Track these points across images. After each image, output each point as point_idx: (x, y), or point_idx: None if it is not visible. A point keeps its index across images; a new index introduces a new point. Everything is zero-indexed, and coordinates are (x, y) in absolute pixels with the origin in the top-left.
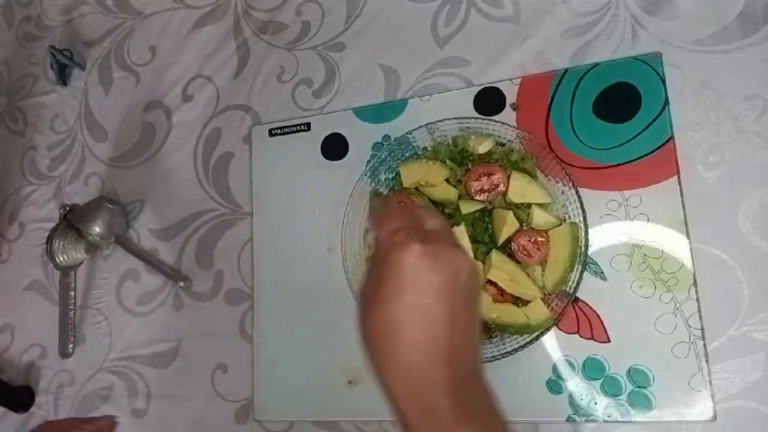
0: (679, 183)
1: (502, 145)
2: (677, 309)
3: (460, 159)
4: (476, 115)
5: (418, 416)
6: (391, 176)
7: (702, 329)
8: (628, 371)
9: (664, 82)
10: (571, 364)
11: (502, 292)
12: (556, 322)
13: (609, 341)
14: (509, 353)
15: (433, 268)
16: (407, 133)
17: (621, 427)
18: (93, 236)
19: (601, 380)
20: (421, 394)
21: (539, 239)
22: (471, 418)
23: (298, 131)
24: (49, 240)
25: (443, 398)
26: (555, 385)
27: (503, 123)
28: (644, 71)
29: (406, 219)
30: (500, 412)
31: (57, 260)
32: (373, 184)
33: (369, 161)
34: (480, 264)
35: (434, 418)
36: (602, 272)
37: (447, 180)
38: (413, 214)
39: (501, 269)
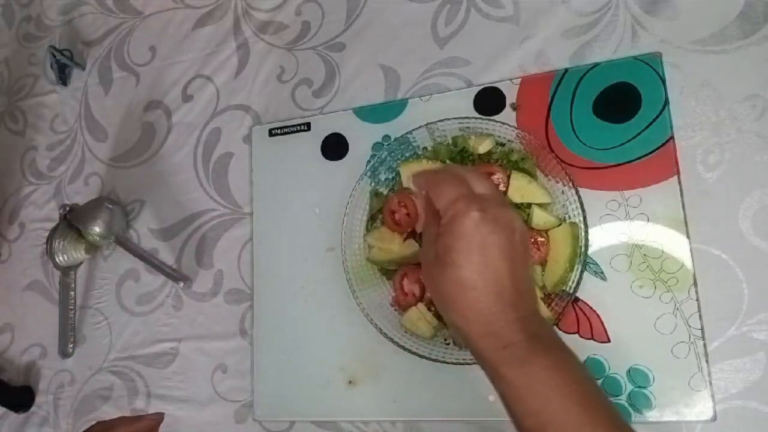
0: (679, 183)
1: (502, 145)
2: (677, 309)
3: (460, 159)
4: (476, 115)
5: (497, 352)
6: (391, 176)
7: (702, 329)
8: (628, 371)
9: (664, 82)
10: None
11: None
12: (556, 322)
13: (609, 341)
14: None
15: (493, 231)
16: (407, 133)
17: None
18: (93, 236)
19: (601, 380)
20: (498, 333)
21: (539, 239)
22: (544, 349)
23: (298, 131)
24: (49, 240)
25: (518, 334)
26: None
27: (503, 123)
28: (644, 71)
29: (460, 188)
30: (564, 344)
31: (57, 260)
32: (373, 184)
33: (369, 161)
34: None
35: (512, 352)
36: (602, 272)
37: None
38: (464, 181)
39: None
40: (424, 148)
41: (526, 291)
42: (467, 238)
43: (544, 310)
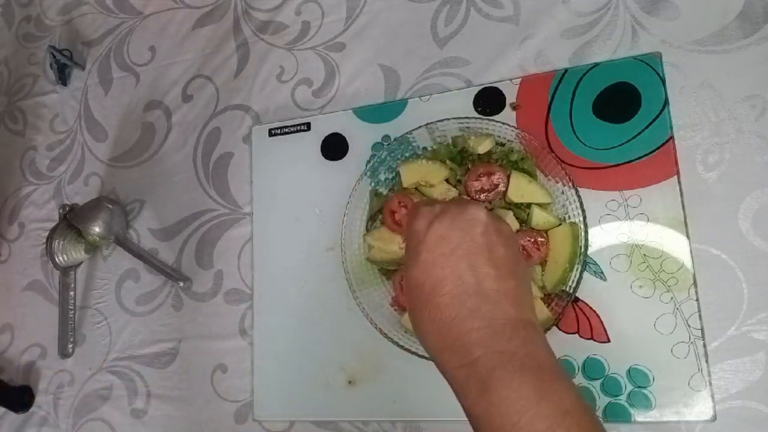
0: (679, 183)
1: (502, 145)
2: (677, 309)
3: (460, 159)
4: (476, 115)
5: (457, 371)
6: (391, 176)
7: (702, 329)
8: (628, 371)
9: (663, 82)
10: (571, 364)
11: None
12: (556, 322)
13: (609, 341)
14: None
15: (442, 222)
16: (407, 133)
17: (621, 427)
18: (93, 236)
19: (601, 380)
20: (454, 346)
21: (539, 239)
22: (516, 371)
23: (298, 131)
24: (49, 240)
25: (476, 348)
26: None
27: (503, 123)
28: (644, 71)
29: (421, 202)
30: (558, 366)
31: (57, 260)
32: (373, 184)
33: (369, 161)
34: None
35: (471, 372)
36: (602, 272)
37: (447, 180)
38: (429, 201)
39: None
40: (424, 148)
41: (499, 292)
42: (415, 236)
43: (544, 311)
